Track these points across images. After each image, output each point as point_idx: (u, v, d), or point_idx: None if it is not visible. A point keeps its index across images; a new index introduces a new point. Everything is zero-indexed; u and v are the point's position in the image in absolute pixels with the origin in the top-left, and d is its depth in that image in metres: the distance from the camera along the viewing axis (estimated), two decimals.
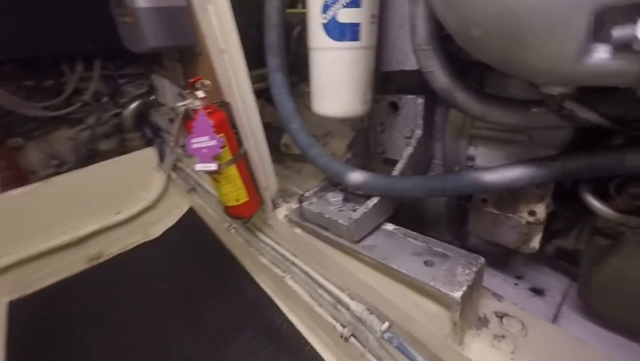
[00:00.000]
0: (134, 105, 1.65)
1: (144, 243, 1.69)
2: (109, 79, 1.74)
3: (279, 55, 0.86)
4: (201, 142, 0.87)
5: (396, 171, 0.86)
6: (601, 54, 0.33)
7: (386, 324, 0.82)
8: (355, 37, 0.71)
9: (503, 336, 0.70)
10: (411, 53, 0.79)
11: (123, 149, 1.82)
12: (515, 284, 1.15)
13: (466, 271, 0.66)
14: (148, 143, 1.77)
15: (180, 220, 1.77)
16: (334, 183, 0.99)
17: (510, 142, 0.75)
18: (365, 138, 1.06)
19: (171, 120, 1.65)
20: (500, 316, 0.75)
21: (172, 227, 1.76)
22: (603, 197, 0.64)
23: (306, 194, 0.93)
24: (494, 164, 0.79)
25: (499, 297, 0.80)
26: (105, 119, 1.78)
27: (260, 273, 1.36)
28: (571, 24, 0.32)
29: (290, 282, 1.13)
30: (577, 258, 0.92)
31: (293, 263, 1.13)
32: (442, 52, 0.64)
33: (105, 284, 1.46)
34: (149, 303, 1.34)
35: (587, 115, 0.55)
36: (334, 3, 0.67)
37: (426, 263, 0.71)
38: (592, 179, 0.65)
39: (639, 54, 0.31)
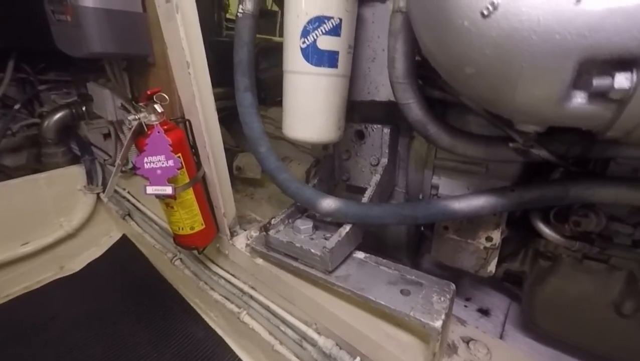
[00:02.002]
0: (58, 115, 1.41)
1: (57, 279, 1.40)
2: (26, 83, 1.47)
3: (248, 74, 0.83)
4: (155, 161, 0.76)
5: (365, 198, 0.86)
6: (579, 99, 0.38)
7: (357, 359, 0.78)
8: (333, 64, 0.71)
9: None
10: (382, 85, 0.83)
11: (38, 166, 1.53)
12: (465, 306, 1.22)
13: (442, 299, 0.67)
14: (73, 160, 1.51)
15: (109, 250, 1.52)
16: (301, 209, 0.96)
17: (470, 172, 0.81)
18: (330, 165, 1.06)
19: (106, 135, 1.45)
20: (467, 341, 0.77)
21: (97, 259, 1.49)
22: (548, 223, 0.73)
23: (273, 221, 0.87)
24: (456, 193, 0.85)
25: (462, 321, 0.83)
26: (15, 130, 1.49)
27: (210, 311, 1.22)
28: (559, 70, 0.36)
29: (247, 319, 1.02)
30: (520, 280, 1.02)
31: (251, 298, 1.04)
32: (417, 87, 0.67)
33: (5, 333, 1.15)
34: (65, 356, 1.08)
35: (540, 152, 0.62)
36: (314, 29, 0.67)
37: (402, 292, 0.70)
38: (541, 208, 0.73)
39: (612, 102, 0.36)
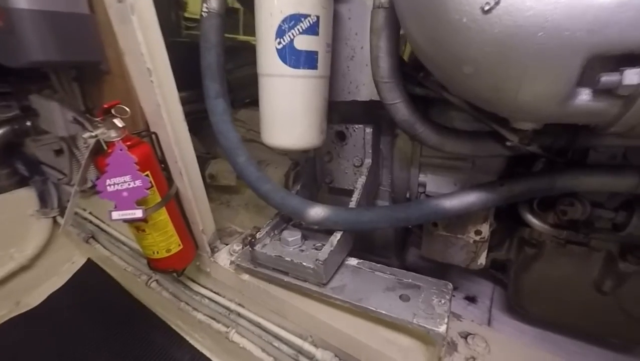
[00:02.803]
0: None
1: (13, 318, 1.24)
2: None
3: (219, 79, 0.76)
4: (120, 183, 0.67)
5: (353, 202, 0.83)
6: (584, 96, 0.36)
7: None
8: (313, 65, 0.66)
9: (473, 358, 0.71)
10: (362, 84, 0.80)
11: None
12: (453, 295, 1.24)
13: (442, 301, 0.66)
14: (20, 183, 1.34)
15: (72, 278, 1.37)
16: (286, 218, 0.91)
17: (456, 168, 0.80)
18: (312, 169, 1.01)
19: (58, 152, 1.29)
20: (464, 336, 0.77)
21: (59, 289, 1.35)
22: (534, 214, 0.74)
23: (258, 235, 0.81)
24: (443, 189, 0.84)
25: (457, 316, 0.83)
26: None
27: (194, 332, 1.14)
28: (566, 68, 0.34)
29: (236, 338, 0.96)
30: (504, 266, 1.05)
31: (239, 315, 0.97)
32: (403, 86, 0.65)
33: None
34: None
35: (531, 147, 0.62)
36: (290, 28, 0.62)
37: (401, 297, 0.68)
38: (527, 200, 0.74)
39: (619, 98, 0.35)
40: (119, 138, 0.68)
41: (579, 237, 0.75)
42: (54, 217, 1.35)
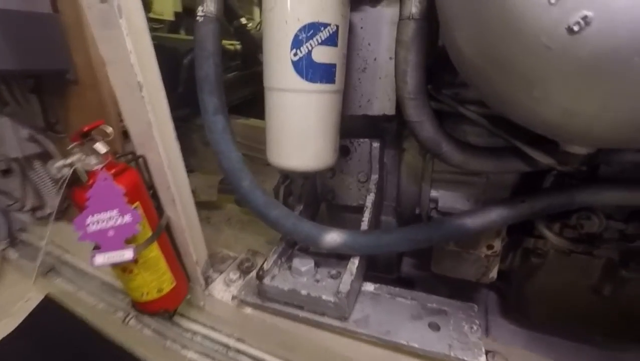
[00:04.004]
0: None
1: None
2: None
3: (217, 92, 0.67)
4: (105, 220, 0.56)
5: (364, 222, 0.78)
6: None
7: None
8: (330, 79, 0.60)
9: None
10: (375, 98, 0.75)
11: None
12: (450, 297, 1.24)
13: (473, 328, 0.63)
14: None
15: (27, 319, 1.16)
16: (292, 243, 0.83)
17: (470, 184, 0.78)
18: (313, 186, 0.95)
19: (5, 172, 1.09)
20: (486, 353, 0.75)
21: (11, 334, 1.13)
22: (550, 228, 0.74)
23: (265, 266, 0.73)
24: (456, 205, 0.82)
25: None
26: None
27: None
28: None
29: None
30: (505, 276, 1.06)
31: (239, 352, 0.88)
32: (429, 102, 0.61)
33: None
34: None
35: (545, 159, 0.61)
36: (309, 38, 0.55)
37: (430, 326, 0.64)
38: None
39: None
40: (101, 166, 0.56)
41: (584, 247, 0.77)
42: (3, 250, 1.14)
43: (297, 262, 0.73)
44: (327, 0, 0.54)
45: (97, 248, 0.58)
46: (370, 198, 0.83)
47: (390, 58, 0.69)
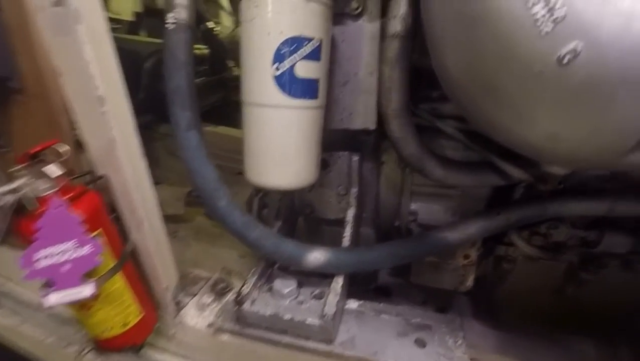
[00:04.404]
0: None
1: None
2: None
3: (190, 105, 0.62)
4: (59, 253, 0.49)
5: (346, 237, 0.77)
6: None
7: None
8: (314, 94, 0.58)
9: None
10: (356, 112, 0.74)
11: None
12: (424, 304, 1.27)
13: (458, 342, 0.64)
14: None
15: None
16: (271, 262, 0.79)
17: (448, 196, 0.80)
18: (291, 200, 0.92)
19: None
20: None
21: None
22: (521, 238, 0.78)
23: (244, 290, 0.68)
24: (435, 218, 0.84)
25: None
26: None
27: None
28: (638, 129, 0.33)
29: None
30: (479, 282, 1.10)
31: None
32: (412, 119, 0.61)
33: None
34: None
35: (522, 175, 0.64)
36: (292, 52, 0.53)
37: (417, 342, 0.64)
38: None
39: None
40: (54, 191, 0.49)
41: (551, 254, 0.82)
42: None
43: (278, 284, 0.69)
44: (311, 14, 0.52)
45: (49, 285, 0.50)
46: (351, 213, 0.81)
47: (371, 73, 0.68)
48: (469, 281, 0.88)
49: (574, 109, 0.35)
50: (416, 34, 0.53)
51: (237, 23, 2.46)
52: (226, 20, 2.25)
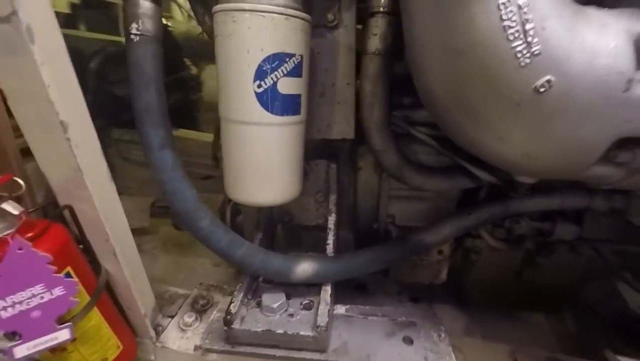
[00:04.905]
0: None
1: None
2: None
3: (163, 124, 0.58)
4: (25, 300, 0.43)
5: (330, 245, 0.78)
6: (600, 166, 0.42)
7: None
8: (296, 110, 0.57)
9: None
10: (334, 122, 0.74)
11: None
12: (399, 295, 1.34)
13: (442, 336, 0.69)
14: None
15: None
16: (255, 276, 0.78)
17: (423, 199, 0.84)
18: (269, 209, 0.90)
19: None
20: None
21: None
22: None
23: (232, 308, 0.66)
24: (411, 219, 0.88)
25: None
26: None
27: None
28: (600, 146, 0.38)
29: None
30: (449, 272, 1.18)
31: None
32: (391, 132, 0.63)
33: None
34: None
35: (491, 179, 0.69)
36: (274, 70, 0.51)
37: (405, 340, 0.68)
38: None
39: (624, 168, 0.41)
40: (13, 231, 0.43)
41: (512, 244, 0.91)
42: None
43: (267, 298, 0.69)
44: (292, 30, 0.51)
45: (13, 336, 0.44)
46: (332, 220, 0.82)
47: (348, 84, 0.69)
48: (443, 275, 0.95)
49: (547, 133, 0.38)
50: (395, 50, 0.55)
51: (203, 24, 2.31)
52: (178, 15, 2.10)
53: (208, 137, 1.83)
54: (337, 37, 0.65)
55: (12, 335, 0.44)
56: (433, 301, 1.35)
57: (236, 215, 1.11)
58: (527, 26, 0.34)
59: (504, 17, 0.34)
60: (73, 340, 0.51)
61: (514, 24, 0.34)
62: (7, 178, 0.42)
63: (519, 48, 0.35)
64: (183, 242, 1.54)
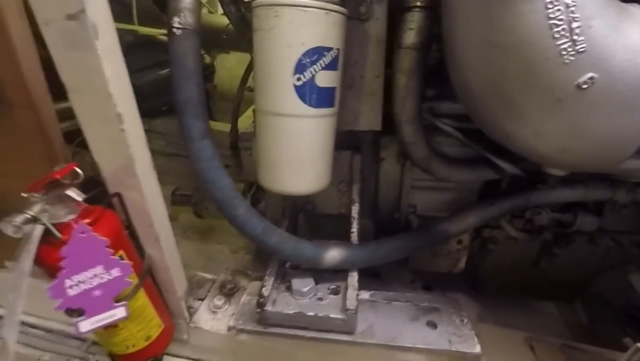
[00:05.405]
0: None
1: None
2: None
3: (202, 116, 0.60)
4: (87, 280, 0.47)
5: (354, 233, 0.81)
6: (634, 160, 0.43)
7: None
8: (331, 103, 0.59)
9: None
10: (361, 115, 0.76)
11: None
12: (412, 283, 1.37)
13: (464, 321, 0.72)
14: None
15: None
16: (282, 261, 0.81)
17: (445, 189, 0.86)
18: (293, 199, 0.93)
19: None
20: None
21: None
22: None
23: (264, 292, 0.70)
24: (433, 209, 0.90)
25: None
26: None
27: None
28: (636, 139, 0.40)
29: None
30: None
31: None
32: (422, 125, 0.64)
33: None
34: None
35: (515, 170, 0.71)
36: (312, 63, 0.53)
37: (428, 324, 0.71)
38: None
39: None
40: (75, 217, 0.46)
41: (532, 235, 0.93)
42: None
43: (297, 283, 0.72)
44: (332, 25, 0.52)
45: (77, 312, 0.48)
46: (355, 209, 0.85)
47: (377, 76, 0.70)
48: (461, 263, 0.98)
49: (585, 128, 0.40)
50: (431, 45, 0.56)
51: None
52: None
53: (222, 126, 1.85)
54: (367, 29, 0.66)
55: (76, 311, 0.48)
56: (446, 290, 1.39)
57: (256, 204, 1.14)
58: (574, 24, 0.35)
59: (551, 15, 0.35)
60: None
61: (560, 22, 0.36)
62: (70, 167, 0.45)
63: (564, 46, 0.36)
64: (202, 229, 1.59)
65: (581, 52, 0.36)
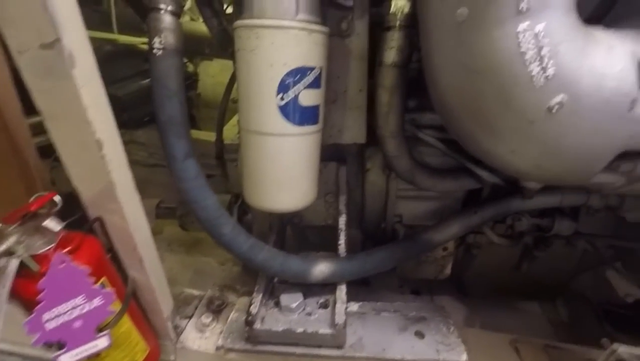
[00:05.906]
0: None
1: None
2: None
3: (185, 135, 0.59)
4: (68, 311, 0.46)
5: (341, 244, 0.81)
6: (603, 175, 0.45)
7: None
8: (315, 120, 0.60)
9: None
10: (345, 128, 0.77)
11: None
12: (401, 288, 1.39)
13: (450, 329, 0.73)
14: None
15: None
16: (270, 276, 0.81)
17: (429, 199, 0.88)
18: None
19: None
20: None
21: None
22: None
23: (252, 310, 0.69)
24: (418, 219, 0.92)
25: None
26: None
27: None
28: (605, 158, 0.42)
29: None
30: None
31: None
32: (405, 139, 0.66)
33: None
34: None
35: (495, 180, 0.73)
36: (295, 83, 0.53)
37: (417, 334, 0.72)
38: None
39: (626, 175, 0.45)
40: (53, 246, 0.45)
41: (513, 240, 0.96)
42: None
43: (285, 299, 0.72)
44: (313, 44, 0.53)
45: (57, 346, 0.47)
46: (342, 220, 0.85)
47: (361, 90, 0.71)
48: (447, 270, 0.99)
49: (557, 148, 0.42)
50: (410, 60, 0.57)
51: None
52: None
53: (206, 135, 1.82)
54: (349, 45, 0.67)
55: (56, 345, 0.46)
56: (433, 294, 1.42)
57: (243, 215, 1.13)
58: (543, 51, 0.37)
59: (522, 43, 0.37)
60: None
61: (530, 49, 0.37)
62: (48, 197, 0.44)
63: (535, 71, 0.38)
64: (187, 241, 1.56)
65: (550, 76, 0.38)
